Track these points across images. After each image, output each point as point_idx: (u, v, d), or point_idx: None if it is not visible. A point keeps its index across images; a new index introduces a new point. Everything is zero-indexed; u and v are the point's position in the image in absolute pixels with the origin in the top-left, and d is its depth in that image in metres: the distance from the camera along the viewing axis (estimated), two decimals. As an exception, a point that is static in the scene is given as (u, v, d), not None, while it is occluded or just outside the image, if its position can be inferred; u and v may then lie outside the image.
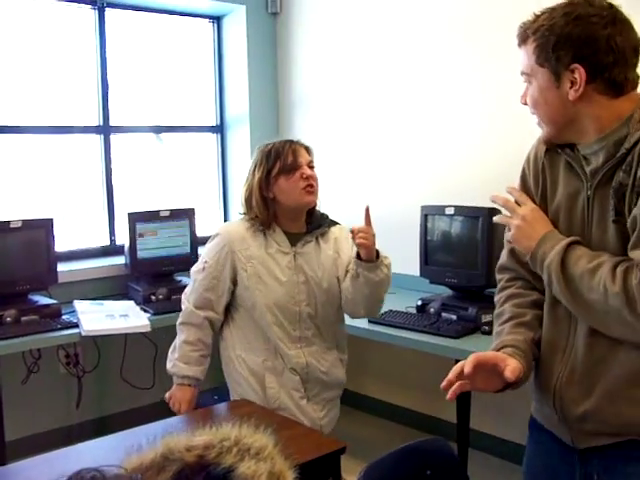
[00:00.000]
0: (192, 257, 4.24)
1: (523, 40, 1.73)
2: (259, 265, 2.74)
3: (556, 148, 1.77)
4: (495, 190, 3.12)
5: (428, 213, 3.69)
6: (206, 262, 2.80)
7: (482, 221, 3.37)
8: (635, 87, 1.69)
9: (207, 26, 5.04)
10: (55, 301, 3.79)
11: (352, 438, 2.68)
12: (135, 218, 4.16)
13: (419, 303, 3.60)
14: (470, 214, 3.47)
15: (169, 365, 2.79)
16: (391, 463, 2.03)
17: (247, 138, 4.91)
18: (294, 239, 2.80)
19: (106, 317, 3.69)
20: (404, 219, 4.14)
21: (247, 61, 4.88)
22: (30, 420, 4.00)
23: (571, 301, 1.65)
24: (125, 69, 4.61)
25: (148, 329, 3.69)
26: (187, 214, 4.33)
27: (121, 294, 4.18)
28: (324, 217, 2.93)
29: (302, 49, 4.87)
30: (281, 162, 2.75)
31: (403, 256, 4.02)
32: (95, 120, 4.49)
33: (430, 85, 4.12)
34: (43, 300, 3.80)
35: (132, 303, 3.96)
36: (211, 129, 5.11)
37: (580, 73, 1.62)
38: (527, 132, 1.99)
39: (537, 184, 1.82)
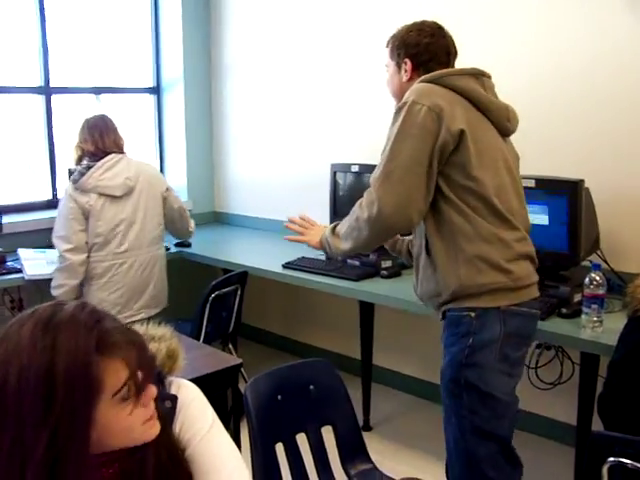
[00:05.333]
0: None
1: (387, 44, 2.64)
2: None
3: None
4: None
5: (337, 170, 4.08)
6: None
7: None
8: None
9: (144, -9, 5.30)
10: (0, 249, 4.09)
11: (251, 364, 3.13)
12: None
13: (328, 251, 3.98)
14: (372, 170, 3.84)
15: None
16: (277, 377, 2.41)
17: (182, 99, 5.24)
18: None
19: (47, 263, 3.99)
20: (317, 176, 4.54)
21: (182, 26, 5.17)
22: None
23: (350, 244, 2.51)
24: (65, 32, 4.84)
25: (85, 274, 4.02)
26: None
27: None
28: None
29: (234, 17, 5.17)
30: None
31: (316, 209, 4.43)
32: (37, 81, 4.73)
33: (341, 55, 4.48)
34: (-13, 248, 4.08)
35: (72, 251, 4.29)
36: (148, 90, 5.40)
37: (408, 65, 2.55)
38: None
39: None
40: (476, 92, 2.41)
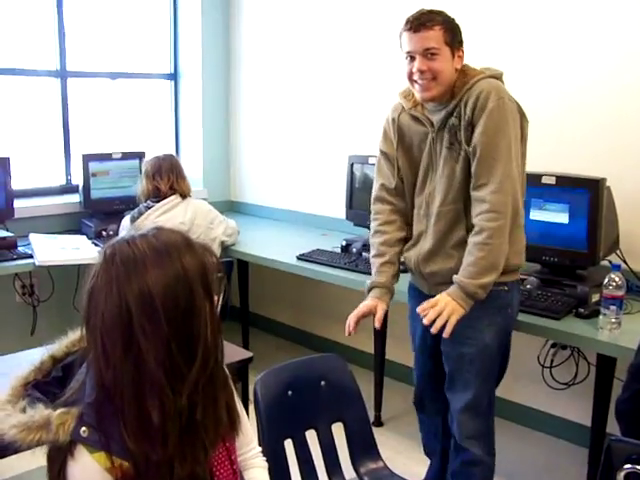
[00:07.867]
0: (142, 197, 4.56)
1: (431, 25, 2.47)
2: None
3: (405, 110, 2.71)
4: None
5: (354, 162, 4.01)
6: None
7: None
8: None
9: (164, -23, 5.25)
10: (11, 234, 4.04)
11: (262, 355, 3.12)
12: (88, 159, 4.42)
13: (343, 243, 3.93)
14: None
15: None
16: (288, 372, 2.36)
17: (199, 87, 5.20)
18: None
19: (59, 249, 3.96)
20: (334, 167, 4.48)
21: (201, 12, 5.12)
22: (-13, 344, 4.30)
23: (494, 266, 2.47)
24: (83, 16, 4.80)
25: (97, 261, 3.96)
26: (138, 156, 4.57)
27: (75, 230, 4.45)
28: None
29: (253, 5, 5.11)
30: None
31: (332, 200, 4.38)
32: (53, 64, 4.70)
33: (360, 46, 4.42)
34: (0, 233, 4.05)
35: (84, 238, 4.23)
36: (165, 76, 5.35)
37: (463, 53, 2.56)
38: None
39: (394, 134, 2.75)
40: None
